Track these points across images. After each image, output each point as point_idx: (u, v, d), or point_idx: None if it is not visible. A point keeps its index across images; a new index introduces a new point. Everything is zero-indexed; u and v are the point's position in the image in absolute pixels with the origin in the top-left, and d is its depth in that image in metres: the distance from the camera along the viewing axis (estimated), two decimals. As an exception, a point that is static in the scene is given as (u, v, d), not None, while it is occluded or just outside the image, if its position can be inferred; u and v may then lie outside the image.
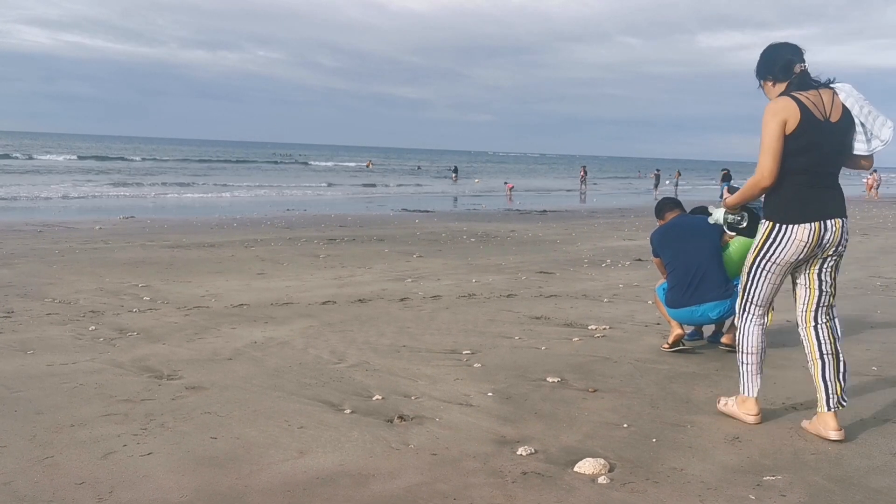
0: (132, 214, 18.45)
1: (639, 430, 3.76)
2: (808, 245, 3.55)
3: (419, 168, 69.73)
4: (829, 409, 3.60)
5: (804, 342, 3.72)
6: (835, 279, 3.69)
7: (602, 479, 3.14)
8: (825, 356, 3.63)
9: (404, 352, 5.33)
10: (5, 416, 3.90)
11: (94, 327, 6.03)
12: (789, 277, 3.79)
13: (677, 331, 5.32)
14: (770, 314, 4.20)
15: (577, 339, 5.76)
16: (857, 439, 3.64)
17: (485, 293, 7.90)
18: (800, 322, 3.74)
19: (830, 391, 3.60)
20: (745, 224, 4.06)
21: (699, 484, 3.12)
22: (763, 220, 3.67)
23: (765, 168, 3.50)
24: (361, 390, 4.40)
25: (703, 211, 5.53)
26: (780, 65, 3.63)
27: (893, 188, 52.34)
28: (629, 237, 14.87)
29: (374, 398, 4.24)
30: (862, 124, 3.59)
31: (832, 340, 3.65)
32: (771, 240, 3.61)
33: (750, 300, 3.77)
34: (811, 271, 3.67)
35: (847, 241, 3.66)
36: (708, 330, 5.80)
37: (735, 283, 5.00)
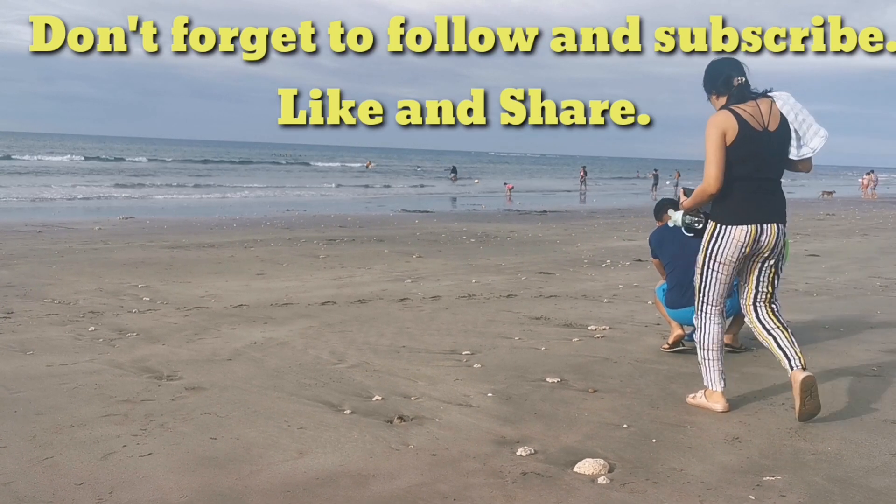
0: (132, 215, 18.45)
1: (639, 430, 3.76)
2: (744, 245, 3.83)
3: (419, 168, 69.81)
4: (795, 368, 3.79)
5: (752, 329, 4.03)
6: (772, 281, 3.98)
7: (602, 480, 3.14)
8: (772, 331, 3.92)
9: (404, 352, 5.33)
10: (5, 417, 3.90)
11: (93, 328, 6.03)
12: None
13: (677, 331, 5.32)
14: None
15: (576, 339, 5.76)
16: (857, 439, 3.64)
17: (484, 294, 7.90)
18: (744, 312, 4.07)
19: (790, 354, 3.84)
20: (701, 226, 4.28)
21: (699, 484, 3.12)
22: (709, 222, 3.96)
23: (710, 176, 3.78)
24: (361, 391, 4.39)
25: (673, 204, 5.55)
26: (721, 80, 3.90)
27: (893, 188, 52.31)
28: (629, 237, 14.88)
29: (373, 399, 4.24)
30: (796, 131, 3.83)
31: (774, 318, 3.96)
32: (713, 239, 3.90)
33: (704, 299, 4.05)
34: (751, 271, 3.97)
35: (784, 244, 3.94)
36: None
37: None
